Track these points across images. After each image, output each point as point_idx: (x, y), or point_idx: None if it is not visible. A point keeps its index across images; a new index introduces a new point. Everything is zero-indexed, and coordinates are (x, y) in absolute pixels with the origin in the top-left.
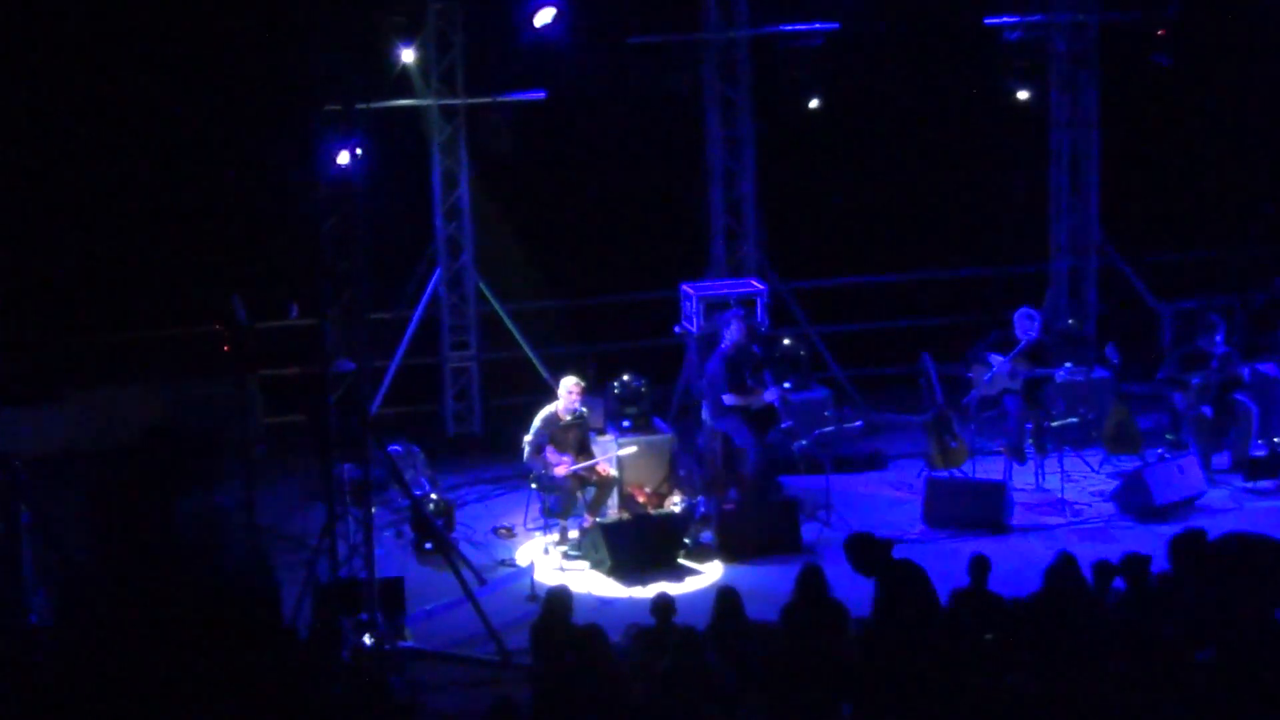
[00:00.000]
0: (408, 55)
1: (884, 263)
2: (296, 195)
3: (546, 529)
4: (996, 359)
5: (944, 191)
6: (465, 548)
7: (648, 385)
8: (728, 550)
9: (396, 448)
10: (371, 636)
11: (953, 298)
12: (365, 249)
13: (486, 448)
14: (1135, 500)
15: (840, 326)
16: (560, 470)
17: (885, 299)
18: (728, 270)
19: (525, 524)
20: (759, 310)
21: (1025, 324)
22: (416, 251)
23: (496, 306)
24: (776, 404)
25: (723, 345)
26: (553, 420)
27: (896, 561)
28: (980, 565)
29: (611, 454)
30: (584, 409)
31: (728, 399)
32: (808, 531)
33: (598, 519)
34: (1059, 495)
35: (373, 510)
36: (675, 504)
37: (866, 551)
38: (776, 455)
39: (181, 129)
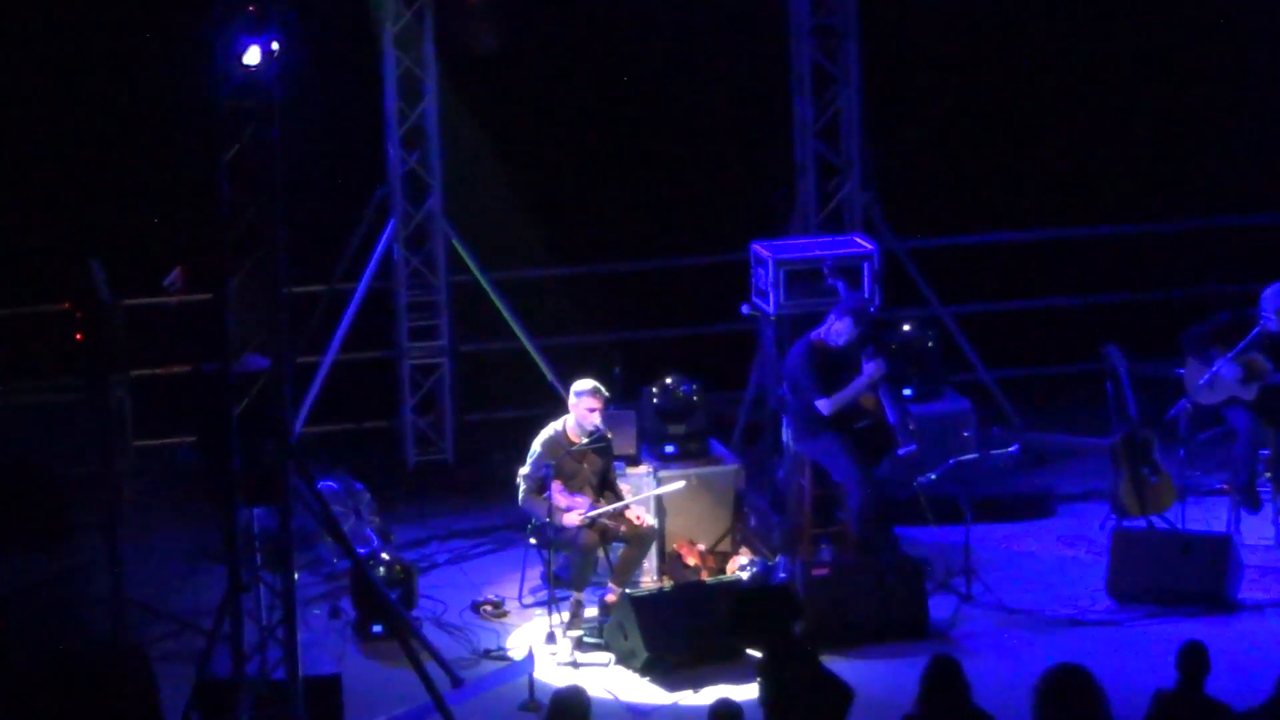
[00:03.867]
0: None
1: (1049, 212)
2: (183, 111)
3: (552, 605)
4: (1219, 355)
5: (1140, 104)
6: (432, 632)
7: (701, 392)
8: (818, 635)
9: (331, 484)
10: None
11: (1154, 263)
12: (284, 189)
13: (463, 485)
14: None
15: (986, 305)
16: (572, 518)
17: (1051, 265)
18: (820, 222)
19: (520, 597)
20: (865, 281)
21: (1275, 307)
22: (361, 194)
23: (478, 275)
24: (879, 371)
25: (814, 333)
26: (560, 444)
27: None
28: (1194, 658)
29: (648, 494)
30: (606, 429)
31: (822, 405)
32: (937, 607)
33: (627, 590)
34: None
35: (295, 577)
36: (741, 567)
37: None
38: (892, 495)
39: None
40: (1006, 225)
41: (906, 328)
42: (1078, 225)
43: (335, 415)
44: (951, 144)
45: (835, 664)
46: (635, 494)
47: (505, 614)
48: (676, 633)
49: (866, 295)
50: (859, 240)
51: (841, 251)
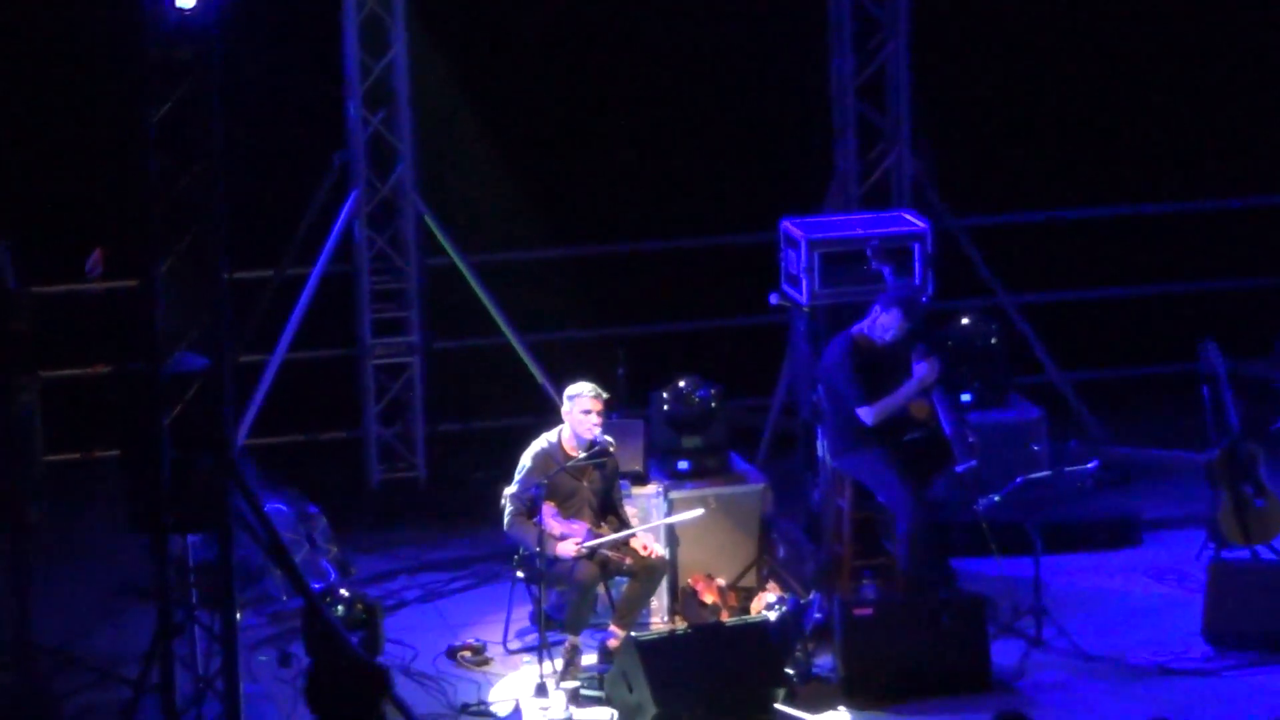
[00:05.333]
0: None
1: (1135, 184)
2: (104, 63)
3: (543, 651)
4: None
5: (1246, 59)
6: (401, 682)
7: (721, 398)
8: (861, 686)
9: (280, 506)
10: None
11: (1261, 245)
12: (224, 156)
13: (437, 507)
14: None
15: (1059, 294)
16: (568, 548)
17: (1138, 247)
18: (862, 195)
19: (505, 642)
20: (916, 265)
21: None
22: (316, 162)
23: (456, 258)
24: (932, 372)
25: (856, 327)
26: (554, 458)
27: None
28: None
29: (657, 520)
30: (609, 439)
31: (865, 414)
32: (1002, 653)
33: (632, 633)
34: None
35: (238, 617)
36: (769, 606)
37: None
38: (947, 520)
39: None
40: (1083, 200)
41: (965, 321)
42: (1169, 200)
43: (285, 424)
44: (1019, 103)
45: (879, 719)
46: (643, 519)
47: (487, 662)
48: (691, 684)
49: (917, 283)
50: (908, 217)
51: (888, 230)
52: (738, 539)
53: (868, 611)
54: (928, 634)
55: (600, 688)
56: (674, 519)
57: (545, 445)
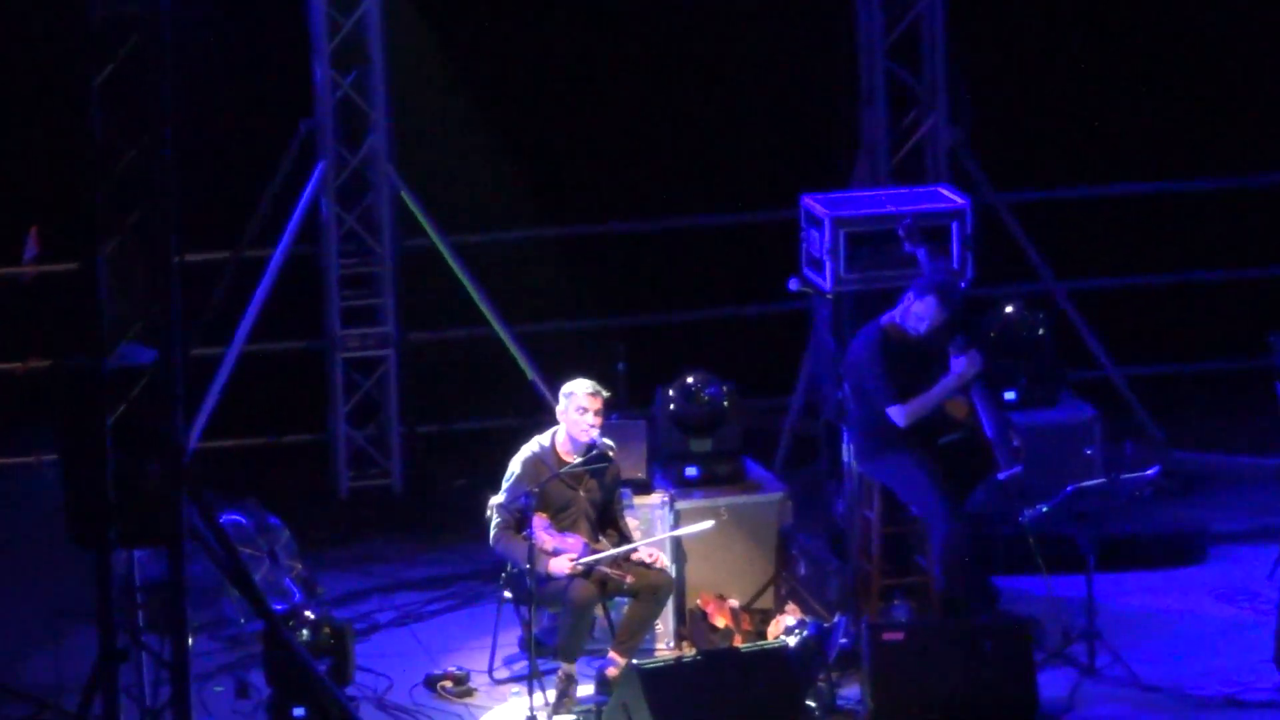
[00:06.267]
0: None
1: (1201, 156)
2: (39, 19)
3: (533, 680)
4: None
5: None
6: (373, 716)
7: (734, 396)
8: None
9: (239, 518)
10: None
11: None
12: (176, 123)
13: (414, 519)
14: None
15: (1116, 279)
16: (561, 564)
17: (1203, 226)
18: (893, 168)
19: (491, 670)
20: (954, 246)
21: None
22: (279, 131)
23: (435, 239)
24: (972, 367)
25: (886, 316)
26: (547, 464)
27: None
28: None
29: (662, 534)
30: (608, 442)
31: (896, 414)
32: (1050, 684)
33: (634, 660)
34: None
35: (189, 642)
36: (788, 630)
37: None
38: (989, 533)
39: None
40: (1143, 174)
41: (1009, 309)
42: (1239, 174)
43: (244, 425)
44: (1071, 64)
45: None
46: (646, 533)
47: (471, 692)
48: (699, 717)
49: (955, 266)
50: (945, 192)
51: (922, 207)
52: (753, 555)
53: (899, 636)
54: (967, 661)
55: None
56: (681, 532)
57: (536, 449)
